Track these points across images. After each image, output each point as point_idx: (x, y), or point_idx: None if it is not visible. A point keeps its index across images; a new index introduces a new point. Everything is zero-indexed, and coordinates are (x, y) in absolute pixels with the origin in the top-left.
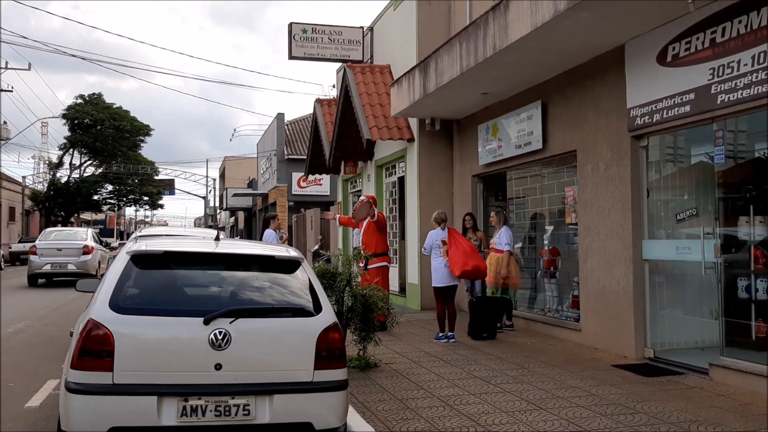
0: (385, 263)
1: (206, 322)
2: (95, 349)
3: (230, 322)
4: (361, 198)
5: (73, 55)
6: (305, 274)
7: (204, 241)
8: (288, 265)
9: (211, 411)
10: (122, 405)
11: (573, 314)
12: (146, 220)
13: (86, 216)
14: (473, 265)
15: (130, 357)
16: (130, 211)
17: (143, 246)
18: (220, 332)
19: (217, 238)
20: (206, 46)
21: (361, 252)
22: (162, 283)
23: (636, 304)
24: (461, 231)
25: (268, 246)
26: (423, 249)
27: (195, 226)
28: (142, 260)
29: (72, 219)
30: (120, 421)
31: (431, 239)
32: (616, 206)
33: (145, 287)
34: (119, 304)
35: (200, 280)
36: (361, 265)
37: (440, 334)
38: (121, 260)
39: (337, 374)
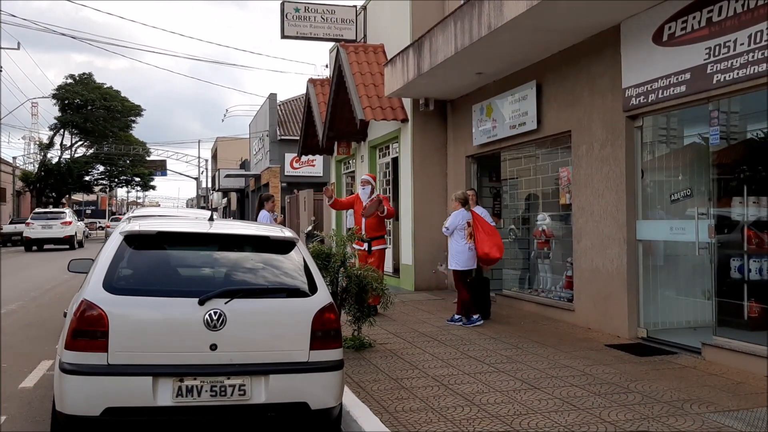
0: (385, 245)
1: (201, 303)
2: (89, 329)
3: (225, 303)
4: (374, 196)
5: (63, 34)
6: (300, 255)
7: (198, 222)
8: (283, 246)
9: (206, 391)
10: (117, 385)
11: (566, 294)
12: (138, 201)
13: (78, 197)
14: (503, 251)
15: (124, 337)
16: (121, 192)
17: (136, 226)
18: (215, 313)
19: (211, 219)
20: (197, 25)
21: (363, 235)
22: (156, 263)
23: (629, 285)
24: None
25: (263, 226)
26: (445, 229)
27: (187, 207)
28: (135, 240)
29: (63, 200)
30: (115, 402)
31: (457, 220)
32: (611, 187)
33: (139, 268)
34: (113, 284)
35: (194, 261)
36: (363, 248)
37: (475, 317)
38: (114, 240)
39: (332, 354)
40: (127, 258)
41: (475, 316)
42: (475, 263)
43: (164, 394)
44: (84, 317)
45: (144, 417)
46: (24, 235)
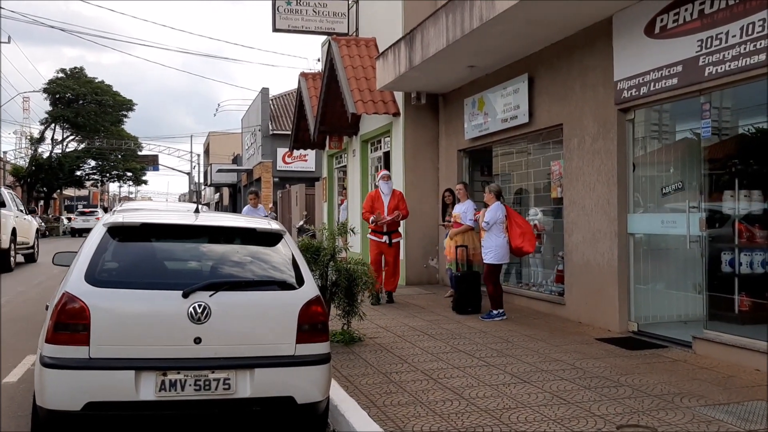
0: (401, 237)
1: (185, 296)
2: (71, 322)
3: (210, 296)
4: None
5: (53, 27)
6: (287, 247)
7: (183, 213)
8: (270, 238)
9: (190, 385)
10: (99, 380)
11: (557, 288)
12: (130, 195)
13: (69, 192)
14: (534, 245)
15: (106, 331)
16: (113, 187)
17: (120, 218)
18: (199, 305)
19: (197, 211)
20: (189, 19)
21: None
22: (140, 255)
23: (620, 278)
24: (452, 203)
25: (250, 218)
26: (485, 223)
27: (179, 201)
28: (119, 232)
29: (55, 195)
30: (96, 396)
31: (497, 213)
32: (602, 180)
33: (123, 260)
34: (95, 277)
35: (179, 253)
36: (383, 240)
37: (497, 312)
38: (97, 232)
39: (319, 348)
40: (111, 250)
41: (495, 312)
42: (509, 257)
43: (147, 389)
44: (65, 310)
45: (126, 412)
46: (71, 225)
